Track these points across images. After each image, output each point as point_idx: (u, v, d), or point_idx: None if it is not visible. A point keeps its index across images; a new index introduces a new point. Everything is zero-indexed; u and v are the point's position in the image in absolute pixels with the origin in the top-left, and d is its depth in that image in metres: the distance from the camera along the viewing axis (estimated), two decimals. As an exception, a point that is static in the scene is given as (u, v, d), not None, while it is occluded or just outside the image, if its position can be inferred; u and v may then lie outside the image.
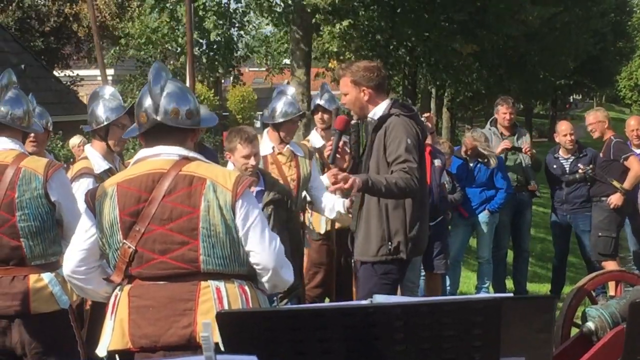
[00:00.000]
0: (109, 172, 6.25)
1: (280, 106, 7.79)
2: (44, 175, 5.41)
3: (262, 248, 4.42)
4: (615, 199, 10.62)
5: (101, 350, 4.48)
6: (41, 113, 8.05)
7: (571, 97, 78.12)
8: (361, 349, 3.17)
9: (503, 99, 11.70)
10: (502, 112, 11.34)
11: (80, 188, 5.93)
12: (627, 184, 10.54)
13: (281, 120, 7.76)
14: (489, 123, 11.83)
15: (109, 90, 6.65)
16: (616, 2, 54.85)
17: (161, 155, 4.47)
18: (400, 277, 6.66)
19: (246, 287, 4.44)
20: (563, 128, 11.50)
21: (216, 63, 22.71)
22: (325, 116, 8.68)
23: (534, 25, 27.48)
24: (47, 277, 5.46)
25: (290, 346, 3.19)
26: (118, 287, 4.49)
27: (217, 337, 3.46)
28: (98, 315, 5.99)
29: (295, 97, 8.23)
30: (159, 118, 4.45)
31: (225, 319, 3.21)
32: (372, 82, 6.47)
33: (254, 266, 4.47)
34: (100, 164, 6.37)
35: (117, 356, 4.43)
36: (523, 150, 11.23)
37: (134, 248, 4.35)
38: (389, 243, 6.36)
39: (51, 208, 5.44)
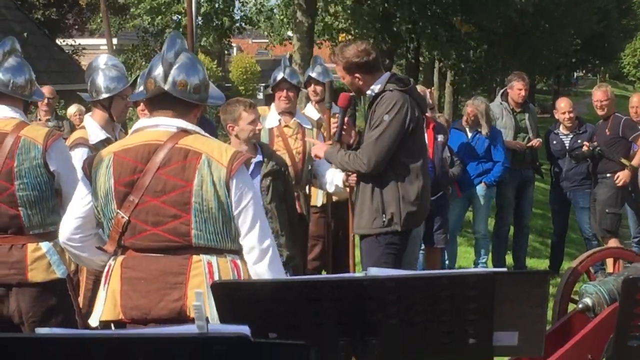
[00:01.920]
0: (105, 142, 6.20)
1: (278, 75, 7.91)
2: (43, 144, 5.39)
3: (248, 230, 4.40)
4: (623, 176, 10.59)
5: (94, 320, 4.48)
6: None
7: (574, 73, 78.04)
8: (355, 321, 3.18)
9: (518, 75, 11.51)
10: (517, 87, 11.20)
11: (75, 158, 5.91)
12: (635, 162, 10.52)
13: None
14: (499, 96, 11.71)
15: (102, 59, 6.59)
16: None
17: (159, 127, 4.44)
18: (403, 248, 6.70)
19: (239, 262, 4.42)
20: (562, 105, 11.44)
21: (208, 31, 22.70)
22: (318, 88, 8.68)
23: (527, 9, 27.59)
24: (45, 246, 5.47)
25: (284, 318, 3.20)
26: (112, 257, 4.48)
27: (207, 311, 3.48)
28: (94, 285, 6.03)
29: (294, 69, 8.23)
30: (166, 87, 4.43)
31: (219, 290, 3.22)
32: (363, 67, 6.51)
33: (243, 247, 4.45)
34: (97, 134, 6.33)
35: (112, 325, 4.44)
36: (534, 145, 11.22)
37: (127, 218, 4.34)
38: (383, 215, 6.42)
39: (50, 177, 5.43)
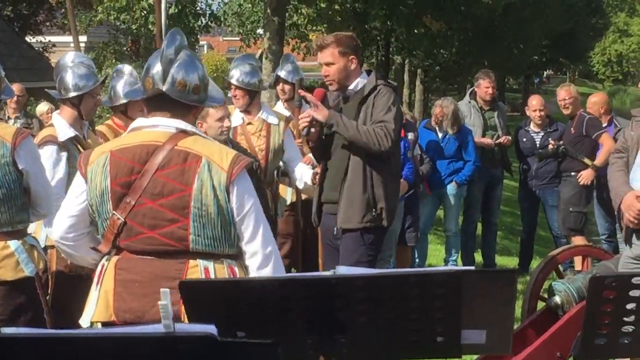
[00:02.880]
0: (74, 140, 6.20)
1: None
2: (12, 142, 5.33)
3: (252, 235, 4.33)
4: (586, 175, 10.62)
5: (85, 321, 4.40)
6: None
7: (544, 72, 78.35)
8: (323, 320, 3.18)
9: (485, 73, 11.63)
10: (484, 86, 11.30)
11: (44, 156, 5.89)
12: (598, 161, 10.51)
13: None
14: (468, 95, 11.78)
15: (70, 57, 6.55)
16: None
17: (158, 127, 4.32)
18: (380, 247, 6.69)
19: (235, 268, 4.34)
20: (534, 103, 11.50)
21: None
22: (286, 87, 8.64)
23: (497, 8, 27.72)
24: (13, 244, 5.42)
25: (253, 316, 3.20)
26: (105, 257, 4.39)
27: None
28: (62, 283, 6.01)
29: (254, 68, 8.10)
30: (164, 88, 4.30)
31: (187, 289, 3.22)
32: (356, 50, 6.54)
33: (244, 253, 4.39)
34: (66, 132, 6.29)
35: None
36: (503, 142, 11.27)
37: (123, 220, 4.24)
38: (373, 210, 6.38)
39: (18, 176, 5.38)
